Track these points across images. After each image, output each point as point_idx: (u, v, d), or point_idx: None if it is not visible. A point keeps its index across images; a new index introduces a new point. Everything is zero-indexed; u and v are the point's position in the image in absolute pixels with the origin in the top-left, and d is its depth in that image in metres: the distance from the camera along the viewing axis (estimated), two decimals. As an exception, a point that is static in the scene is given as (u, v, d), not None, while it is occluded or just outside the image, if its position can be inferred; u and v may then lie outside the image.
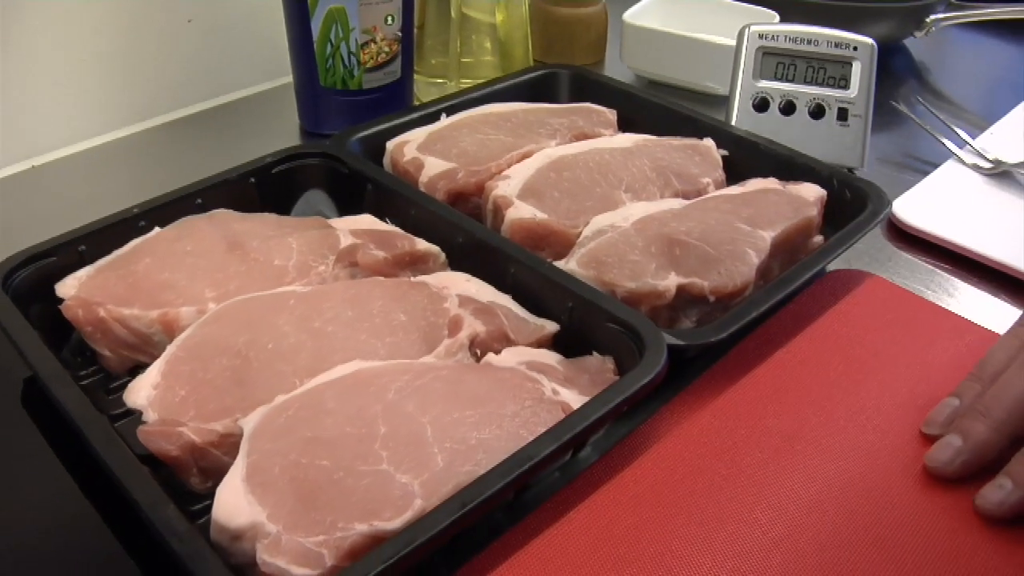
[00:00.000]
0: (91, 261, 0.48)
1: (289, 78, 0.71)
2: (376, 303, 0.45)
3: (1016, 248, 0.57)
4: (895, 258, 0.59)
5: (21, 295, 0.45)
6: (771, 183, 0.57)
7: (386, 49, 0.67)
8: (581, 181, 0.56)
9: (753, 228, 0.52)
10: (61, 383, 0.39)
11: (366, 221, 0.53)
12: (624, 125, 0.65)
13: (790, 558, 0.37)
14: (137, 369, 0.45)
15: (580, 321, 0.46)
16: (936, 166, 0.67)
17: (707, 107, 0.72)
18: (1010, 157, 0.67)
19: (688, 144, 0.61)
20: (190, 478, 0.39)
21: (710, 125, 0.63)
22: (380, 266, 0.49)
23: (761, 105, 0.66)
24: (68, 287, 0.46)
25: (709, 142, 0.61)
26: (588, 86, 0.69)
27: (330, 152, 0.57)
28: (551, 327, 0.46)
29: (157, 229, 0.50)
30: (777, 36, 0.65)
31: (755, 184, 0.57)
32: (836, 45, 0.65)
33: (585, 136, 0.62)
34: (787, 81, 0.66)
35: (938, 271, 0.58)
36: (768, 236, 0.51)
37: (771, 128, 0.64)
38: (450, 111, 0.63)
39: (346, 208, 0.57)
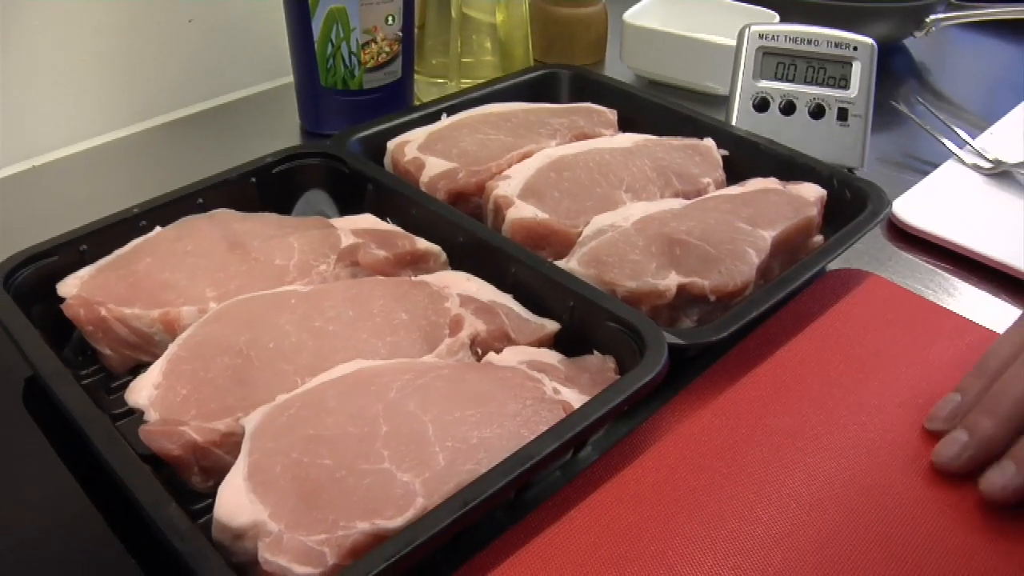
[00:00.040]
0: (92, 261, 0.48)
1: (290, 78, 0.71)
2: (377, 302, 0.45)
3: (1016, 248, 0.57)
4: (895, 258, 0.59)
5: (22, 294, 0.45)
6: (771, 183, 0.57)
7: (387, 49, 0.67)
8: (581, 181, 0.56)
9: (753, 228, 0.52)
10: (63, 382, 0.39)
11: (367, 221, 0.53)
12: (624, 125, 0.65)
13: (791, 556, 0.37)
14: (138, 368, 0.45)
15: (581, 320, 0.46)
16: (936, 166, 0.67)
17: (707, 107, 0.72)
18: (1010, 157, 0.67)
19: (688, 144, 0.61)
20: (191, 477, 0.39)
21: (710, 125, 0.63)
22: (381, 265, 0.49)
23: (761, 105, 0.66)
24: (69, 286, 0.46)
25: (709, 142, 0.61)
26: (588, 86, 0.69)
27: (331, 152, 0.57)
28: (552, 326, 0.46)
29: (158, 229, 0.50)
30: (777, 36, 0.65)
31: (755, 184, 0.57)
32: (836, 45, 0.65)
33: (585, 136, 0.62)
34: (787, 81, 0.66)
35: (938, 271, 0.58)
36: (768, 236, 0.51)
37: (771, 128, 0.64)
38: (451, 111, 0.63)
39: (347, 208, 0.57)
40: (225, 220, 0.51)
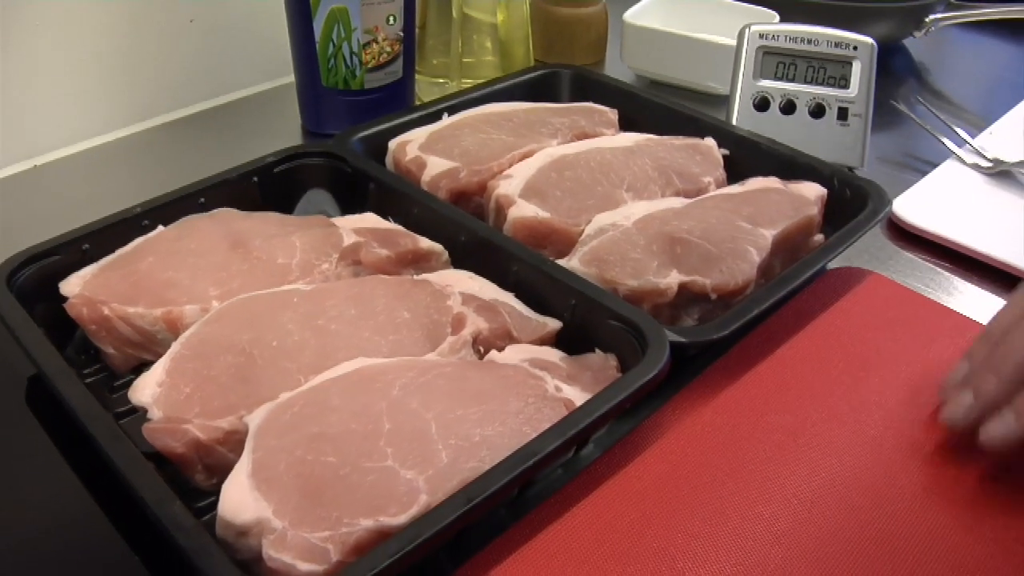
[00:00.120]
0: (95, 260, 0.48)
1: (291, 78, 0.71)
2: (379, 301, 0.45)
3: (1015, 246, 0.57)
4: (895, 256, 0.59)
5: (25, 294, 0.45)
6: (772, 182, 0.57)
7: (388, 49, 0.67)
8: (583, 180, 0.56)
9: (754, 226, 0.52)
10: (67, 381, 0.40)
11: (369, 220, 0.53)
12: (625, 125, 0.65)
13: (793, 552, 0.37)
14: (140, 367, 0.45)
15: (582, 319, 0.46)
16: (936, 165, 0.68)
17: (708, 107, 0.72)
18: (1009, 156, 0.67)
19: (689, 143, 0.61)
20: (195, 475, 0.39)
21: (711, 124, 0.63)
22: (383, 264, 0.50)
23: (762, 104, 0.66)
24: (72, 285, 0.46)
25: (710, 141, 0.61)
26: (589, 86, 0.70)
27: (333, 151, 0.57)
28: (554, 325, 0.46)
29: (160, 228, 0.50)
30: (777, 36, 0.65)
31: (756, 183, 0.57)
32: (836, 45, 0.65)
33: (586, 135, 0.62)
34: (787, 81, 0.66)
35: (938, 269, 0.58)
36: (769, 234, 0.51)
37: (771, 127, 0.64)
38: (451, 111, 0.63)
39: (348, 207, 0.57)
40: (227, 219, 0.51)
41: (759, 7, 0.80)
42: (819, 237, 0.56)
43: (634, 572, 0.36)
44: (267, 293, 0.45)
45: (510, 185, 0.54)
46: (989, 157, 0.67)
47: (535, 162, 0.57)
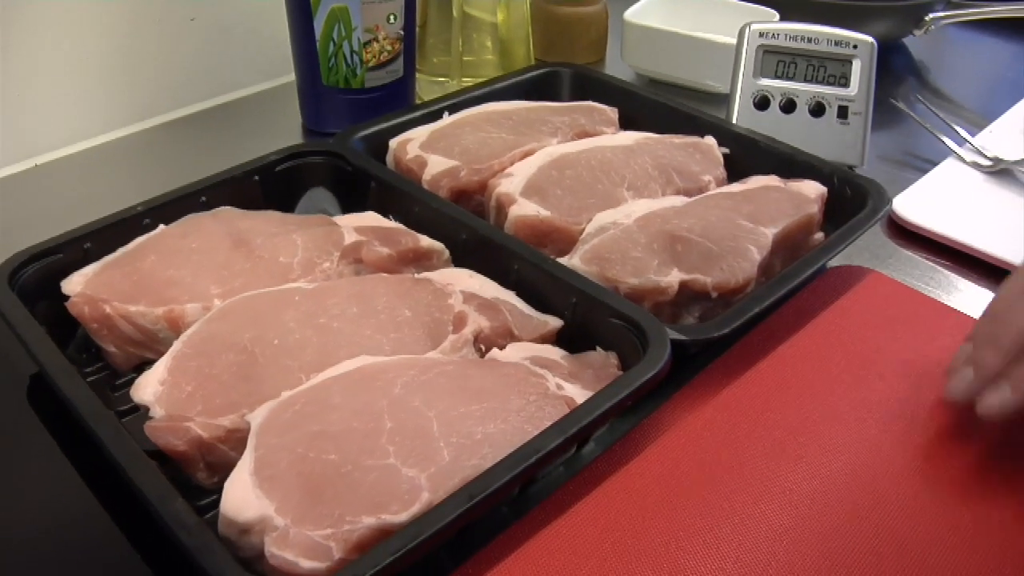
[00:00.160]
0: (96, 258, 0.48)
1: (291, 77, 0.71)
2: (381, 299, 0.45)
3: (1015, 244, 0.57)
4: (895, 255, 0.59)
5: (27, 292, 0.45)
6: (772, 180, 0.57)
7: (388, 48, 0.67)
8: (583, 179, 0.56)
9: (755, 225, 0.52)
10: (69, 379, 0.40)
11: (370, 218, 0.53)
12: (625, 123, 0.65)
13: (794, 549, 0.37)
14: (142, 366, 0.45)
15: (584, 317, 0.46)
16: (936, 164, 0.68)
17: (708, 105, 0.72)
18: (1009, 155, 0.67)
19: (689, 142, 0.61)
20: (197, 473, 0.39)
21: (711, 123, 0.63)
22: (384, 263, 0.50)
23: (762, 103, 0.66)
24: (74, 284, 0.46)
25: (710, 140, 0.62)
26: (589, 85, 0.70)
27: (334, 150, 0.57)
28: (555, 323, 0.46)
29: (162, 227, 0.50)
30: (777, 34, 0.65)
31: (756, 181, 0.57)
32: (836, 43, 0.65)
33: (587, 134, 0.62)
34: (787, 79, 0.66)
35: (938, 267, 0.58)
36: (770, 233, 0.52)
37: (772, 126, 0.64)
38: (452, 109, 0.64)
39: (349, 206, 0.57)
40: (229, 218, 0.51)
41: (759, 6, 0.80)
42: (819, 235, 0.56)
43: (636, 569, 0.36)
44: (269, 291, 0.46)
45: (511, 184, 0.55)
46: (989, 155, 0.68)
47: (536, 161, 0.57)
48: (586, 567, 0.36)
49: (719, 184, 0.59)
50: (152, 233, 0.50)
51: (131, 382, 0.42)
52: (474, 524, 0.37)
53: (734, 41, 0.67)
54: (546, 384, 0.41)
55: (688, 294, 0.48)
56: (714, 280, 0.48)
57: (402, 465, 0.36)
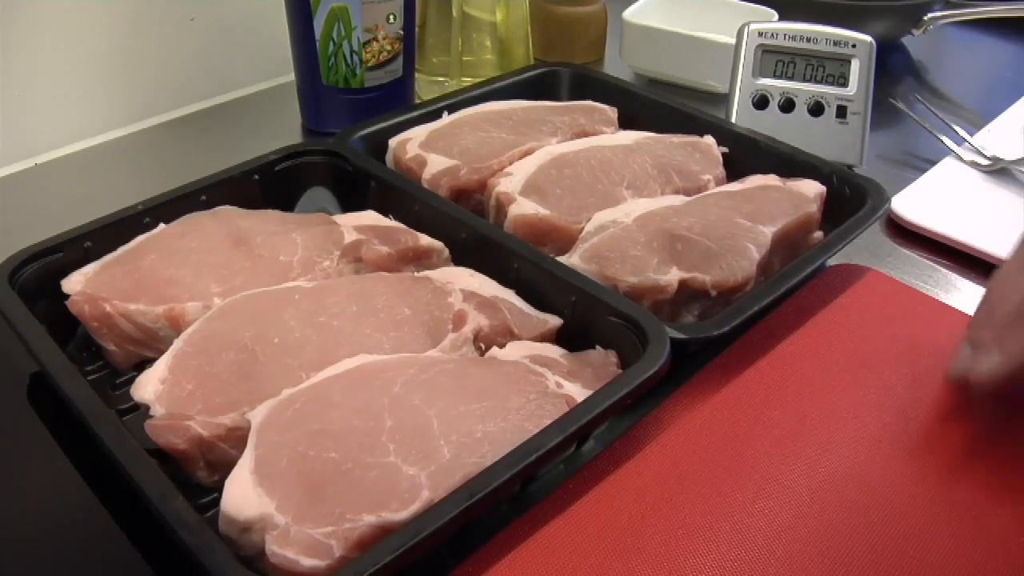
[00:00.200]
0: (97, 257, 0.48)
1: (291, 77, 0.71)
2: (380, 298, 0.46)
3: (1013, 243, 0.57)
4: (894, 254, 0.59)
5: (27, 291, 0.45)
6: (771, 180, 0.57)
7: (388, 48, 0.67)
8: (583, 178, 0.56)
9: (754, 223, 0.52)
10: (70, 378, 0.40)
11: (370, 217, 0.53)
12: (625, 123, 0.66)
13: (793, 547, 0.37)
14: (142, 365, 0.45)
15: (583, 315, 0.46)
16: (934, 163, 0.68)
17: (707, 105, 0.72)
18: (1007, 154, 0.68)
19: (688, 141, 0.61)
20: (197, 471, 0.39)
21: (710, 122, 0.63)
22: (384, 262, 0.50)
23: (761, 102, 0.66)
24: (74, 283, 0.46)
25: (709, 139, 0.62)
26: (588, 84, 0.70)
27: (333, 149, 0.58)
28: (554, 321, 0.46)
29: (162, 225, 0.50)
30: (776, 34, 0.66)
31: (755, 180, 0.57)
32: (835, 43, 0.65)
33: (586, 133, 0.62)
34: (786, 79, 0.66)
35: (936, 266, 0.58)
36: (769, 231, 0.52)
37: (771, 125, 0.64)
38: (451, 109, 0.64)
39: (349, 205, 0.57)
40: (229, 217, 0.51)
41: (758, 5, 0.80)
42: (818, 234, 0.56)
43: (635, 567, 0.36)
44: (269, 290, 0.46)
45: (510, 183, 0.55)
46: (987, 155, 0.68)
47: (535, 160, 0.57)
48: (586, 565, 0.36)
49: (718, 183, 0.59)
50: (152, 232, 0.50)
51: (131, 381, 0.42)
52: (474, 522, 0.37)
53: (733, 41, 0.67)
54: (546, 382, 0.41)
55: (687, 292, 0.48)
56: (713, 279, 0.48)
57: (402, 463, 0.36)
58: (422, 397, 0.39)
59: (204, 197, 0.53)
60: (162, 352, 0.42)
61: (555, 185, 0.55)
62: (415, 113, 0.63)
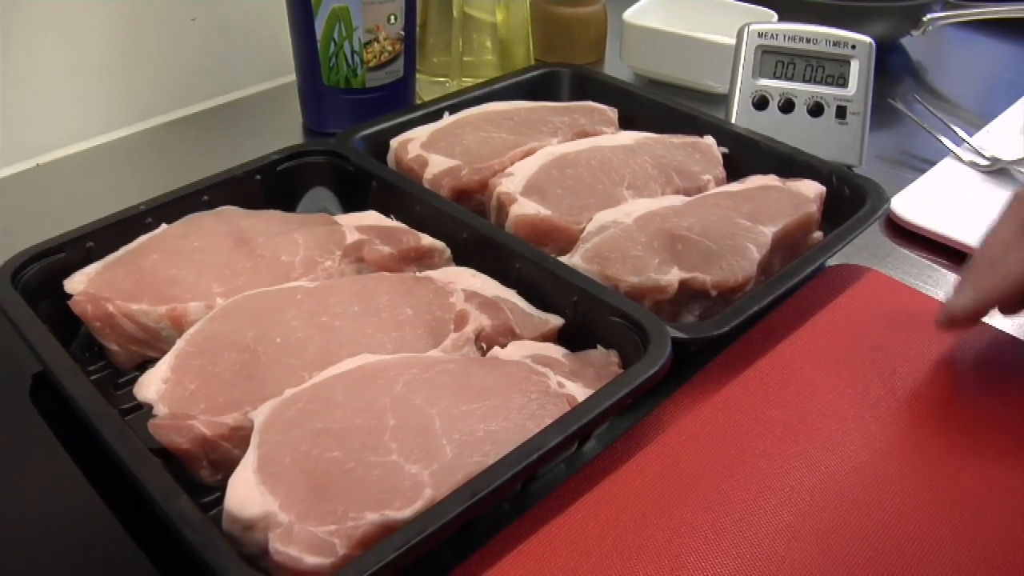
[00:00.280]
0: (99, 257, 0.48)
1: (292, 77, 0.71)
2: (382, 298, 0.46)
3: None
4: (893, 253, 0.60)
5: (30, 291, 0.45)
6: (771, 180, 0.57)
7: (389, 48, 0.67)
8: (583, 178, 0.56)
9: (754, 224, 0.52)
10: (73, 377, 0.40)
11: (371, 217, 0.53)
12: (625, 123, 0.66)
13: (793, 545, 0.38)
14: (144, 365, 0.45)
15: (584, 315, 0.46)
16: (933, 163, 0.68)
17: (707, 105, 0.72)
18: (1006, 154, 0.68)
19: (689, 142, 0.61)
20: (200, 471, 0.39)
21: (710, 123, 0.64)
22: (386, 261, 0.50)
23: (760, 103, 0.66)
24: (77, 283, 0.46)
25: (709, 140, 0.62)
26: (589, 85, 0.70)
27: (335, 150, 0.58)
28: (556, 321, 0.47)
29: (164, 226, 0.50)
30: (776, 35, 0.66)
31: (755, 181, 0.57)
32: (835, 44, 0.65)
33: (587, 134, 0.63)
34: (786, 79, 0.66)
35: (936, 266, 0.58)
36: (769, 231, 0.52)
37: (770, 126, 0.64)
38: (453, 109, 0.64)
39: (351, 205, 0.57)
40: (231, 217, 0.51)
41: (758, 6, 0.80)
42: (818, 234, 0.56)
43: (637, 565, 0.37)
44: (271, 290, 0.46)
45: (511, 183, 0.55)
46: (986, 155, 0.68)
47: (536, 160, 0.57)
48: (587, 563, 0.37)
49: (718, 183, 0.59)
50: (154, 232, 0.50)
51: (133, 380, 0.42)
52: (476, 520, 0.37)
53: (733, 41, 0.68)
54: (547, 382, 0.41)
55: (688, 292, 0.49)
56: (714, 279, 0.48)
57: (405, 462, 0.36)
58: (424, 396, 0.39)
59: (206, 197, 0.53)
60: (164, 352, 0.42)
61: (556, 185, 0.55)
62: (416, 113, 0.63)
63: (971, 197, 0.64)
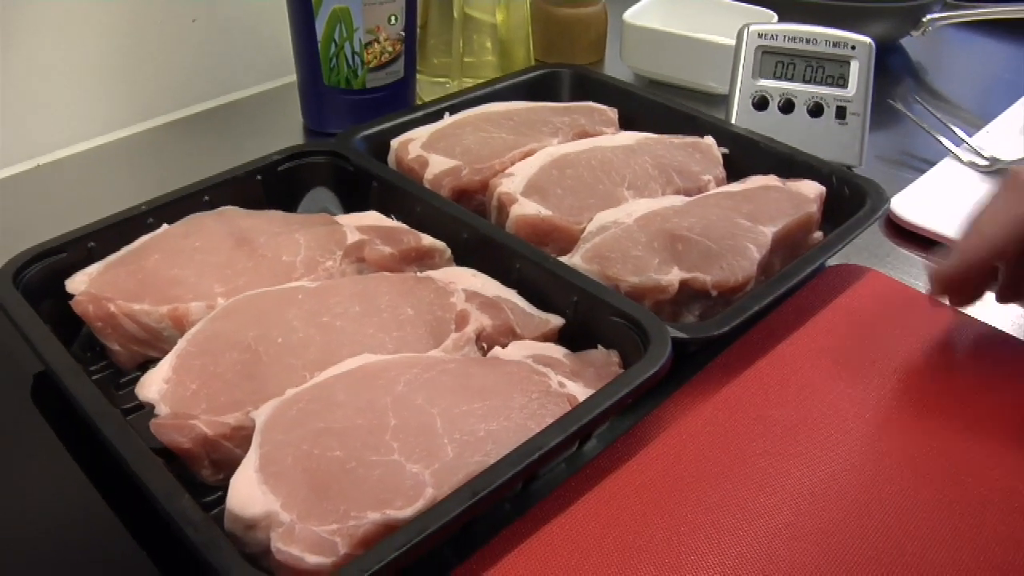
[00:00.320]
0: (100, 257, 0.48)
1: (293, 77, 0.71)
2: (383, 298, 0.46)
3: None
4: (893, 253, 0.60)
5: (32, 291, 0.46)
6: (771, 180, 0.57)
7: (389, 49, 0.68)
8: (584, 178, 0.56)
9: (754, 224, 0.52)
10: (75, 377, 0.40)
11: (372, 218, 0.53)
12: (625, 124, 0.66)
13: (794, 544, 0.38)
14: (146, 365, 0.45)
15: (585, 315, 0.46)
16: (933, 164, 0.68)
17: (707, 106, 0.73)
18: (1006, 155, 0.68)
19: (689, 142, 0.62)
20: (201, 470, 0.39)
21: (710, 123, 0.64)
22: (387, 262, 0.50)
23: (760, 103, 0.66)
24: (78, 283, 0.46)
25: (710, 140, 0.62)
26: (589, 85, 0.70)
27: (336, 150, 0.58)
28: (556, 321, 0.47)
29: (165, 226, 0.50)
30: (776, 35, 0.66)
31: (755, 181, 0.57)
32: (834, 44, 0.65)
33: (587, 134, 0.63)
34: (786, 80, 0.66)
35: (935, 266, 0.58)
36: (769, 232, 0.52)
37: (770, 126, 0.64)
38: (453, 110, 0.64)
39: (351, 205, 0.57)
40: (232, 217, 0.51)
41: (758, 7, 0.80)
42: (818, 235, 0.56)
43: (637, 563, 0.37)
44: (272, 290, 0.46)
45: (512, 183, 0.55)
46: (986, 156, 0.68)
47: (536, 160, 0.57)
48: (588, 562, 0.37)
49: (719, 184, 0.59)
50: (156, 232, 0.50)
51: (135, 380, 0.42)
52: (477, 520, 0.37)
53: (733, 42, 0.68)
54: (548, 382, 0.41)
55: (688, 292, 0.49)
56: (714, 279, 0.48)
57: (406, 461, 0.36)
58: (425, 396, 0.39)
59: (207, 197, 0.53)
60: (166, 352, 0.43)
61: (556, 185, 0.55)
62: (417, 114, 0.63)
63: (971, 197, 0.64)
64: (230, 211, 0.52)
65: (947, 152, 0.69)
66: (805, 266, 0.50)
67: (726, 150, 0.62)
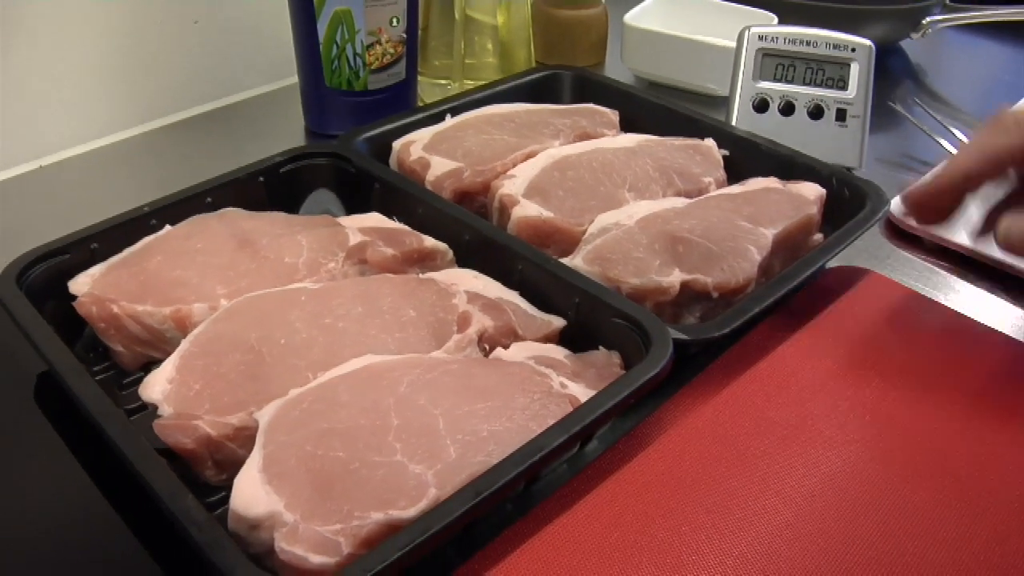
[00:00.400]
0: (103, 259, 0.48)
1: (294, 79, 0.71)
2: (386, 299, 0.46)
3: None
4: (893, 255, 0.60)
5: (35, 292, 0.46)
6: (772, 182, 0.58)
7: (391, 51, 0.68)
8: (585, 180, 0.56)
9: (755, 226, 0.52)
10: (78, 378, 0.40)
11: (374, 219, 0.53)
12: (626, 126, 0.66)
13: (795, 545, 0.38)
14: (149, 365, 0.46)
15: (586, 317, 0.46)
16: (933, 166, 0.68)
17: (707, 108, 0.73)
18: (1005, 157, 0.68)
19: (689, 144, 0.62)
20: (205, 471, 0.40)
21: (711, 125, 0.64)
22: (389, 263, 0.50)
23: (761, 106, 0.67)
24: (81, 284, 0.46)
25: (710, 142, 0.62)
26: (590, 87, 0.70)
27: (338, 152, 0.58)
28: (558, 322, 0.47)
29: (168, 227, 0.51)
30: (776, 38, 0.66)
31: (756, 183, 0.58)
32: (834, 47, 0.66)
33: (588, 136, 0.63)
34: (786, 82, 0.67)
35: (935, 268, 0.59)
36: (770, 233, 0.52)
37: (771, 128, 0.65)
38: (454, 112, 0.64)
39: (353, 207, 0.57)
40: (234, 219, 0.51)
41: (758, 9, 0.81)
42: (818, 236, 0.56)
43: (639, 563, 0.37)
44: (275, 291, 0.46)
45: (513, 185, 0.55)
46: (985, 158, 0.68)
47: (538, 162, 0.57)
48: (590, 562, 0.37)
49: (719, 186, 0.59)
50: (158, 234, 0.50)
51: (138, 381, 0.42)
52: (480, 520, 0.38)
53: (733, 44, 0.68)
54: (550, 383, 0.41)
55: (689, 294, 0.49)
56: (715, 280, 0.48)
57: (409, 462, 0.36)
58: (428, 397, 0.39)
59: (209, 199, 0.53)
60: (169, 353, 0.43)
61: (558, 187, 0.55)
62: (419, 116, 0.63)
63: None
64: (232, 212, 0.52)
65: (947, 154, 0.69)
66: (805, 268, 0.50)
67: (727, 152, 0.62)
